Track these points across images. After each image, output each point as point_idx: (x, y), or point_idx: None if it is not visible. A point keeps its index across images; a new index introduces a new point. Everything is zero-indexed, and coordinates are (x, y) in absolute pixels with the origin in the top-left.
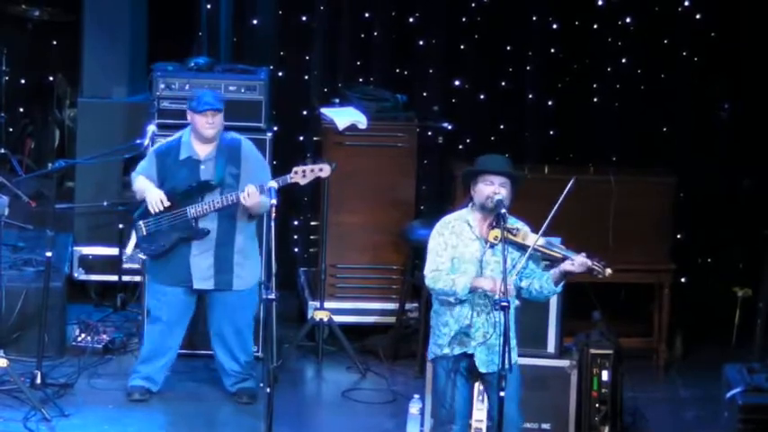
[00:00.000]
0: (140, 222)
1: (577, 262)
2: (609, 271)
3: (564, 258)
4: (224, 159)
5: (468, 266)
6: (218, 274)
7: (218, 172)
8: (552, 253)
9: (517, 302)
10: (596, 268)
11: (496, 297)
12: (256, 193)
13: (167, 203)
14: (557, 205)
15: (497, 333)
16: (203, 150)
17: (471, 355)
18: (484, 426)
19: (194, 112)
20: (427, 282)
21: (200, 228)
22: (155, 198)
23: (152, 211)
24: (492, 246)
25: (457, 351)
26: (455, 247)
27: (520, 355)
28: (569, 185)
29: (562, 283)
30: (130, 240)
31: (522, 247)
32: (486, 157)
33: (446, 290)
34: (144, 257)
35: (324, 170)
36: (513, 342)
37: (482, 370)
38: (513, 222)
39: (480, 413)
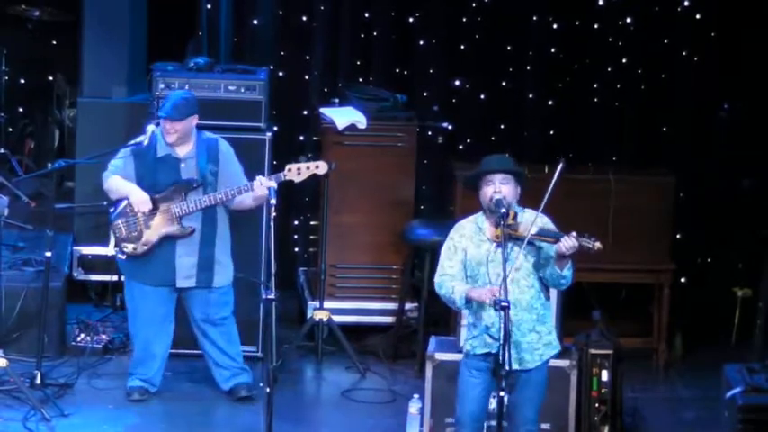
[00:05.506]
0: (118, 222)
1: (566, 245)
2: (598, 244)
3: (557, 242)
4: (204, 158)
5: (481, 268)
6: (199, 273)
7: (200, 170)
8: (548, 239)
9: (543, 298)
10: (586, 245)
11: (489, 302)
12: (267, 183)
13: (150, 206)
14: (549, 189)
15: (521, 331)
16: (182, 150)
17: (495, 354)
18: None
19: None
20: (435, 286)
21: (185, 227)
22: (139, 200)
23: (136, 212)
24: (498, 245)
25: (479, 351)
26: (466, 250)
27: None
28: (560, 167)
29: (568, 267)
30: (110, 240)
31: (522, 240)
32: (486, 158)
33: (448, 296)
34: (122, 257)
35: (320, 167)
36: (548, 337)
37: (515, 366)
38: (519, 214)
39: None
